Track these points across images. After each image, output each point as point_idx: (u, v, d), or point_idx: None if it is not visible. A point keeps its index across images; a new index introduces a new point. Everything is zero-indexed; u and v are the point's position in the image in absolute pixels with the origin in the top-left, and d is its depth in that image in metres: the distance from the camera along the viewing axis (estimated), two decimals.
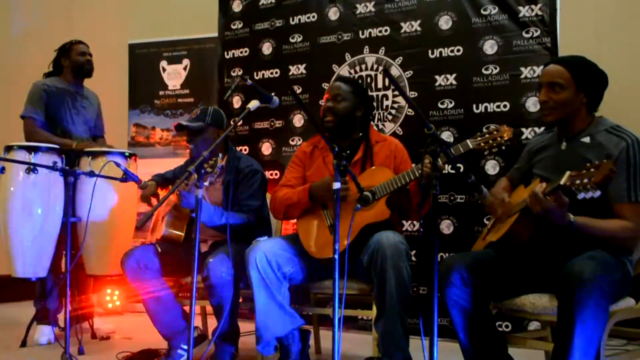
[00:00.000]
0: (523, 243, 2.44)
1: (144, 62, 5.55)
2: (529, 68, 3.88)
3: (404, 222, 3.89)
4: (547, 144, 2.65)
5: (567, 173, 2.11)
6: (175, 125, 3.41)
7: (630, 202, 2.31)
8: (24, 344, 3.73)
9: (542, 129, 3.74)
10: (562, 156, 2.52)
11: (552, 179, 2.41)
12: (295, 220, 3.16)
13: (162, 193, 3.60)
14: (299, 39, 4.69)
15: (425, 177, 2.49)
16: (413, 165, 2.86)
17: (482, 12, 4.04)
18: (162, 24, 5.98)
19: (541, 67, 3.77)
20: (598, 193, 2.02)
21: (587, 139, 2.45)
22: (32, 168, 3.41)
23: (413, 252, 3.74)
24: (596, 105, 2.51)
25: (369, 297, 2.92)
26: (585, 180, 2.04)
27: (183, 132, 3.45)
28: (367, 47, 4.41)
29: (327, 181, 2.90)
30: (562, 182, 2.11)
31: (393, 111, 4.30)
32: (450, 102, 4.10)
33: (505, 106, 3.94)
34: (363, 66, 4.42)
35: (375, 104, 4.32)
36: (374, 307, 2.81)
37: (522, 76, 3.89)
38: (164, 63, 5.48)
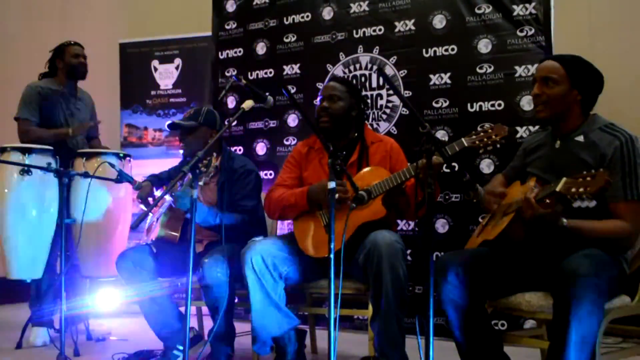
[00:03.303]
0: (519, 242, 2.44)
1: (135, 61, 5.53)
2: (523, 67, 3.88)
3: (399, 221, 3.89)
4: (542, 142, 2.65)
5: (563, 180, 2.09)
6: (168, 124, 3.40)
7: (627, 200, 2.31)
8: (19, 345, 3.71)
9: (537, 127, 3.75)
10: (556, 155, 2.51)
11: (546, 179, 2.41)
12: (290, 220, 3.16)
13: (157, 193, 3.59)
14: (293, 39, 4.68)
15: (422, 172, 2.49)
16: (408, 164, 2.86)
17: (476, 11, 4.04)
18: (152, 23, 5.96)
19: (535, 65, 3.79)
20: (593, 203, 2.02)
21: (580, 138, 2.45)
22: (26, 169, 3.40)
23: (408, 252, 3.74)
24: (590, 105, 2.50)
25: (364, 297, 2.92)
26: (581, 190, 2.02)
27: (176, 130, 3.44)
28: (361, 46, 4.41)
29: (325, 184, 2.89)
30: (557, 189, 2.09)
31: (387, 110, 4.30)
32: (445, 101, 4.10)
33: (499, 105, 3.95)
34: (357, 66, 4.42)
35: (369, 103, 4.32)
36: (370, 307, 2.81)
37: (517, 75, 3.90)
38: (155, 62, 5.46)
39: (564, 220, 2.22)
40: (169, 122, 3.40)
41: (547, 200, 2.16)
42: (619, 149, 2.33)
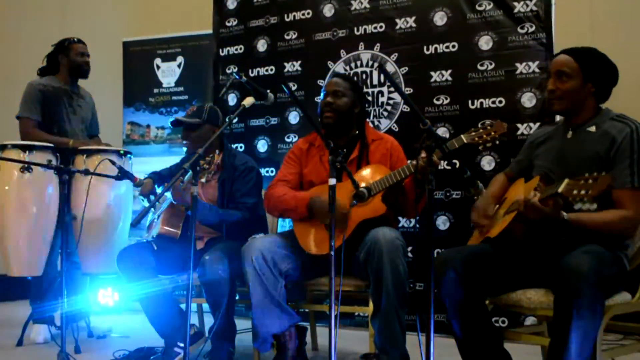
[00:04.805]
0: (520, 240, 2.44)
1: (138, 59, 5.53)
2: (524, 64, 3.88)
3: (400, 218, 3.89)
4: (551, 134, 2.66)
5: (565, 181, 2.08)
6: (171, 121, 3.40)
7: (633, 188, 2.31)
8: (20, 343, 3.72)
9: (538, 124, 3.76)
10: (567, 145, 2.53)
11: (554, 171, 2.41)
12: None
13: (158, 191, 3.60)
14: (294, 36, 4.68)
15: (421, 171, 2.49)
16: (409, 161, 2.85)
17: (477, 7, 4.04)
18: (155, 21, 5.96)
19: (536, 63, 3.81)
20: (594, 206, 2.02)
21: (592, 128, 2.46)
22: (26, 167, 3.40)
23: (409, 249, 3.74)
24: (604, 96, 2.52)
25: (365, 294, 2.92)
26: (582, 192, 2.02)
27: (179, 127, 3.44)
28: (362, 43, 4.41)
29: (327, 203, 2.85)
30: (559, 190, 2.09)
31: (389, 107, 4.30)
32: (446, 98, 4.10)
33: (500, 102, 3.94)
34: (358, 63, 4.41)
35: (370, 100, 4.32)
36: (371, 304, 2.81)
37: (518, 72, 3.90)
38: (158, 60, 5.47)
39: (564, 213, 2.22)
40: (172, 119, 3.41)
41: (549, 202, 2.16)
42: (629, 135, 2.35)
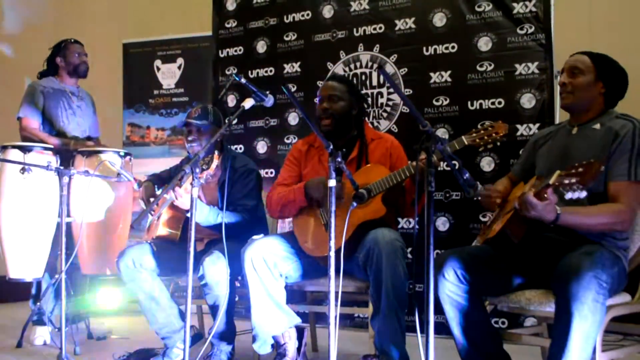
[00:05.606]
0: (518, 241, 2.44)
1: (138, 61, 5.54)
2: (523, 64, 3.88)
3: (400, 219, 3.89)
4: (555, 133, 2.68)
5: (557, 173, 2.10)
6: (181, 124, 3.41)
7: (630, 180, 2.33)
8: (19, 344, 3.71)
9: (537, 125, 3.76)
10: (572, 141, 2.55)
11: (557, 166, 2.42)
12: (291, 219, 3.16)
13: (158, 193, 3.60)
14: (293, 37, 4.68)
15: (420, 173, 2.49)
16: (408, 162, 2.85)
17: (477, 9, 4.04)
18: (156, 23, 5.97)
19: (536, 63, 3.82)
20: (584, 193, 2.03)
21: (597, 126, 2.49)
22: (26, 168, 3.39)
23: (408, 250, 3.74)
24: (612, 102, 2.56)
25: (365, 295, 2.92)
26: (573, 180, 2.04)
27: (187, 128, 3.44)
28: (361, 44, 4.41)
29: (322, 179, 2.90)
30: (550, 182, 2.11)
31: (388, 109, 4.30)
32: (445, 99, 4.10)
33: (500, 103, 3.94)
34: (358, 64, 4.42)
35: (370, 101, 4.32)
36: (370, 305, 2.81)
37: (517, 73, 3.90)
38: (158, 62, 5.47)
39: (558, 208, 2.22)
40: (178, 122, 3.41)
41: (545, 195, 2.17)
42: (632, 131, 2.38)
